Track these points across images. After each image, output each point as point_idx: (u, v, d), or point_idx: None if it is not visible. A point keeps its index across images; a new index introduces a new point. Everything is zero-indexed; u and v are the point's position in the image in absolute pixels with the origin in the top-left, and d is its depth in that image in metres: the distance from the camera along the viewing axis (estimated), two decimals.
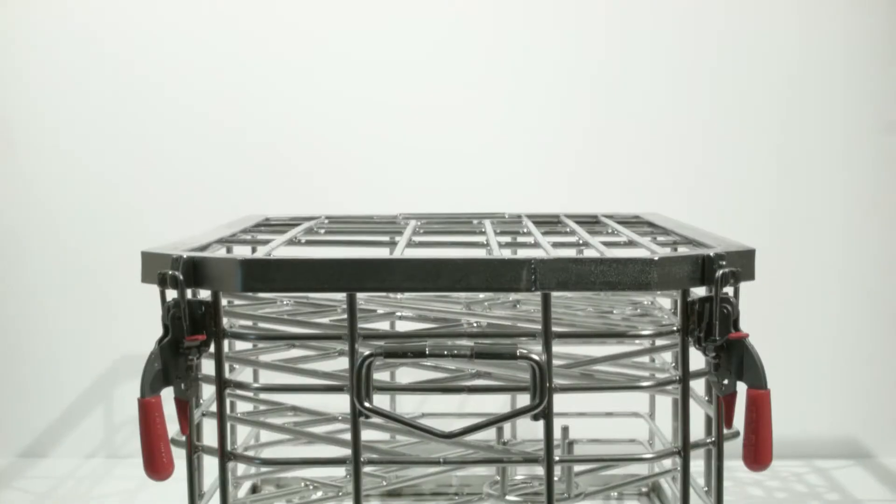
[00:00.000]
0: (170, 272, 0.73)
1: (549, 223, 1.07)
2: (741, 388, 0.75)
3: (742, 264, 0.75)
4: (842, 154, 1.35)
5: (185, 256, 0.74)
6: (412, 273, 0.71)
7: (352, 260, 0.72)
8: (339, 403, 0.83)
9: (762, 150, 1.35)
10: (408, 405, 1.27)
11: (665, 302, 1.02)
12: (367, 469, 0.81)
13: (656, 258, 0.72)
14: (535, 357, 0.72)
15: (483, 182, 1.36)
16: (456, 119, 1.36)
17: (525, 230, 1.02)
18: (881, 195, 1.35)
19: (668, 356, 1.00)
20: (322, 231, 1.05)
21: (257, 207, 1.25)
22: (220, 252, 0.88)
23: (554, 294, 0.78)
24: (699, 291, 0.77)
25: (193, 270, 0.74)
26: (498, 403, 1.20)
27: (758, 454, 0.73)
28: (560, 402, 0.75)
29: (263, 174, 1.36)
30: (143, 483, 1.21)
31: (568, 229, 1.01)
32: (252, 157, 1.36)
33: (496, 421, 0.75)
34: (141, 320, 0.98)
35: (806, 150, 1.35)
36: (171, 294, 0.74)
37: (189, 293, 0.75)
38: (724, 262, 0.73)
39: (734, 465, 0.82)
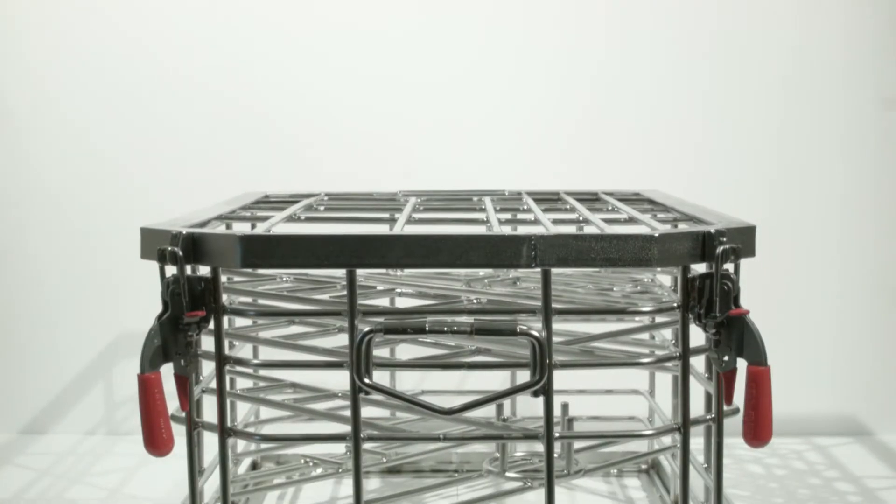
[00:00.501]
0: (169, 248, 0.73)
1: (549, 200, 1.06)
2: (741, 364, 0.75)
3: (742, 241, 0.75)
4: (842, 132, 1.35)
5: (184, 232, 0.74)
6: (412, 249, 0.71)
7: (352, 236, 0.71)
8: (339, 380, 0.83)
9: (763, 127, 1.35)
10: (408, 382, 1.27)
11: (665, 279, 1.02)
12: (367, 445, 0.82)
13: (657, 234, 0.71)
14: (535, 333, 0.72)
15: (483, 159, 1.35)
16: (457, 97, 1.35)
17: (525, 207, 1.02)
18: (882, 172, 1.35)
19: (668, 333, 1.00)
20: (322, 208, 1.04)
21: (257, 184, 1.25)
22: (220, 228, 0.87)
23: (554, 271, 0.78)
24: (699, 268, 0.77)
25: (193, 246, 0.74)
26: (498, 380, 1.20)
27: (757, 431, 0.73)
28: (560, 378, 0.75)
29: (263, 151, 1.35)
30: (144, 459, 1.21)
31: (568, 206, 1.01)
32: (252, 135, 1.35)
33: (496, 397, 0.75)
34: (141, 297, 0.98)
35: (807, 126, 1.35)
36: (171, 270, 0.74)
37: (188, 269, 0.75)
38: (724, 239, 0.73)
39: (734, 442, 0.83)
